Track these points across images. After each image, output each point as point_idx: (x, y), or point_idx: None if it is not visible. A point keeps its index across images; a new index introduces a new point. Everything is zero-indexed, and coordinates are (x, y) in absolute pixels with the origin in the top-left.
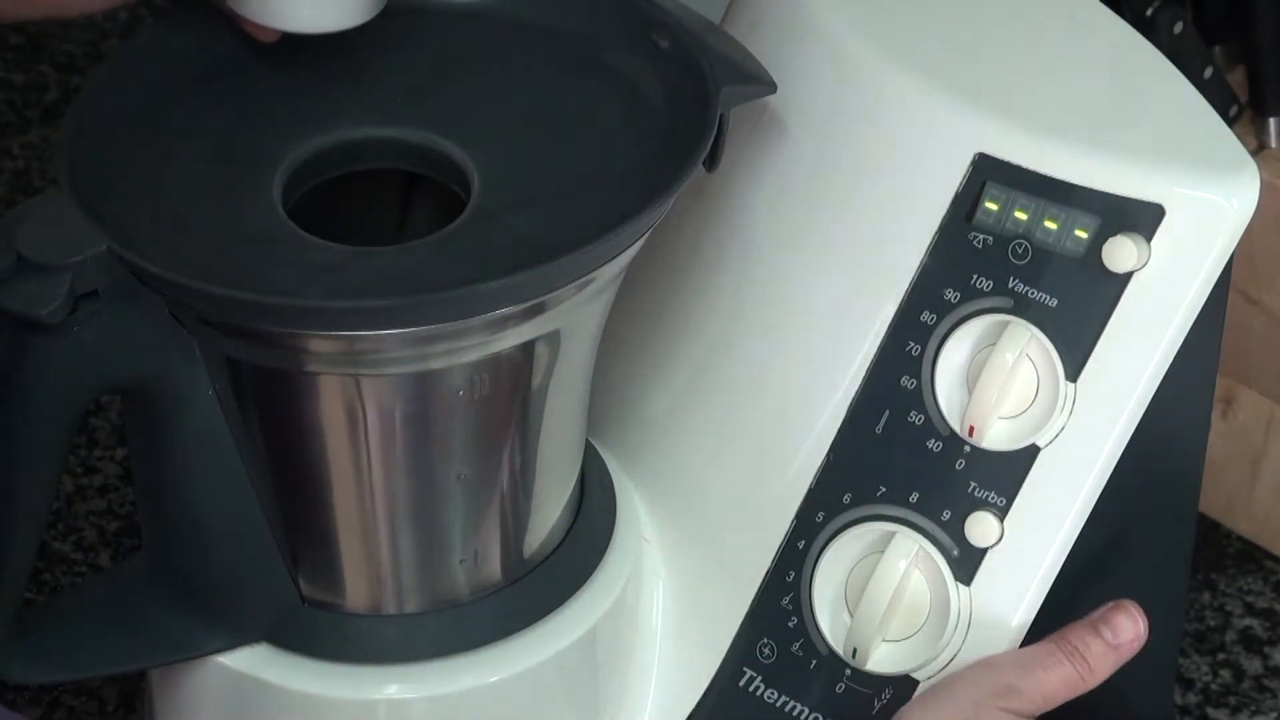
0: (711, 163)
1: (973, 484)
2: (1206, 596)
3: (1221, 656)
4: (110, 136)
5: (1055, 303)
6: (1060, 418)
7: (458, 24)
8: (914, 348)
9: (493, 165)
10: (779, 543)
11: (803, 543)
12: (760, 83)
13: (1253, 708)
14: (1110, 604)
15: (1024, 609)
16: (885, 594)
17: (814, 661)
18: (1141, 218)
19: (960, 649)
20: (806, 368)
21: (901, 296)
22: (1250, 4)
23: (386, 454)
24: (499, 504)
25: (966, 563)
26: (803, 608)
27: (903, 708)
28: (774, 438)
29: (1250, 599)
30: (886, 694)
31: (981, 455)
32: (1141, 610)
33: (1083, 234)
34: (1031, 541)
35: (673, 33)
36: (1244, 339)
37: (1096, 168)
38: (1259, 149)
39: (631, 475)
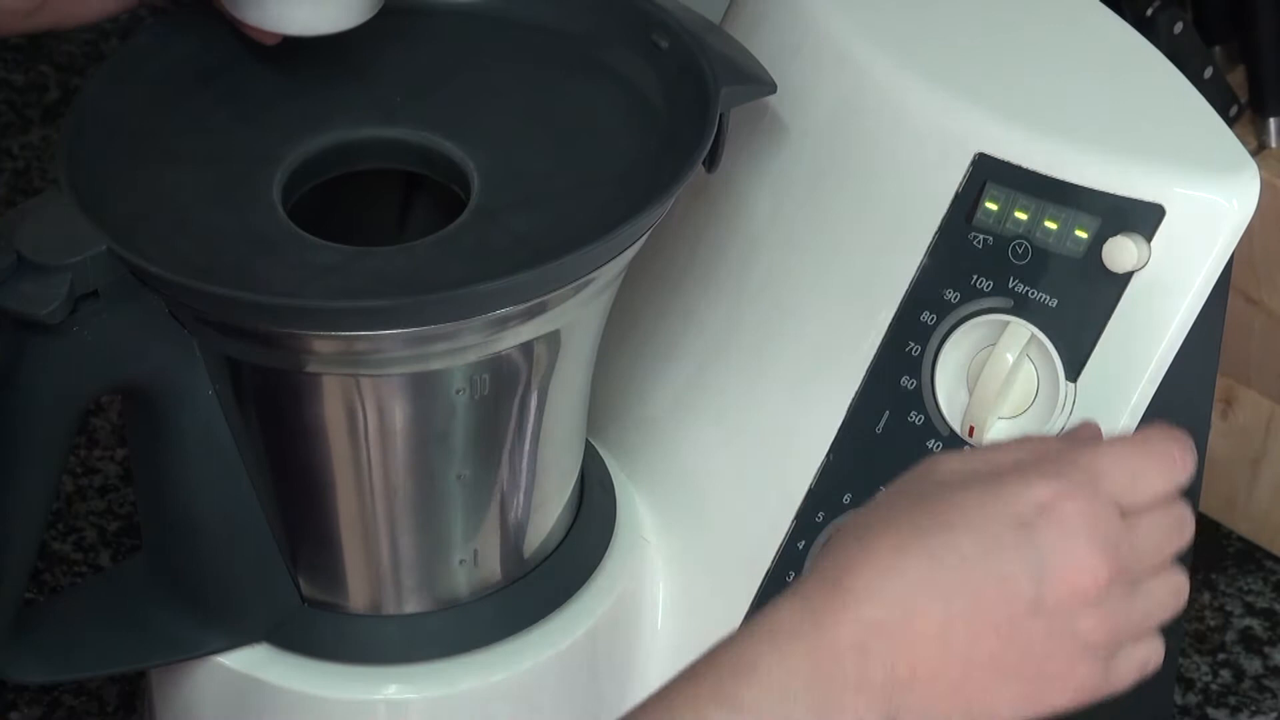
0: (711, 163)
1: None
2: (1206, 596)
3: (1221, 656)
4: (110, 136)
5: (1055, 303)
6: (1060, 418)
7: (458, 24)
8: (914, 348)
9: (493, 165)
10: (779, 543)
11: (803, 543)
12: (760, 83)
13: (1253, 708)
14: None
15: None
16: None
17: None
18: (1141, 218)
19: None
20: (806, 368)
21: (901, 296)
22: (1250, 4)
23: (386, 454)
24: (499, 504)
25: None
26: None
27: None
28: (774, 438)
29: (1250, 599)
30: None
31: None
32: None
33: (1083, 234)
34: None
35: (673, 33)
36: (1244, 339)
37: (1096, 168)
38: (1259, 149)
39: (631, 475)
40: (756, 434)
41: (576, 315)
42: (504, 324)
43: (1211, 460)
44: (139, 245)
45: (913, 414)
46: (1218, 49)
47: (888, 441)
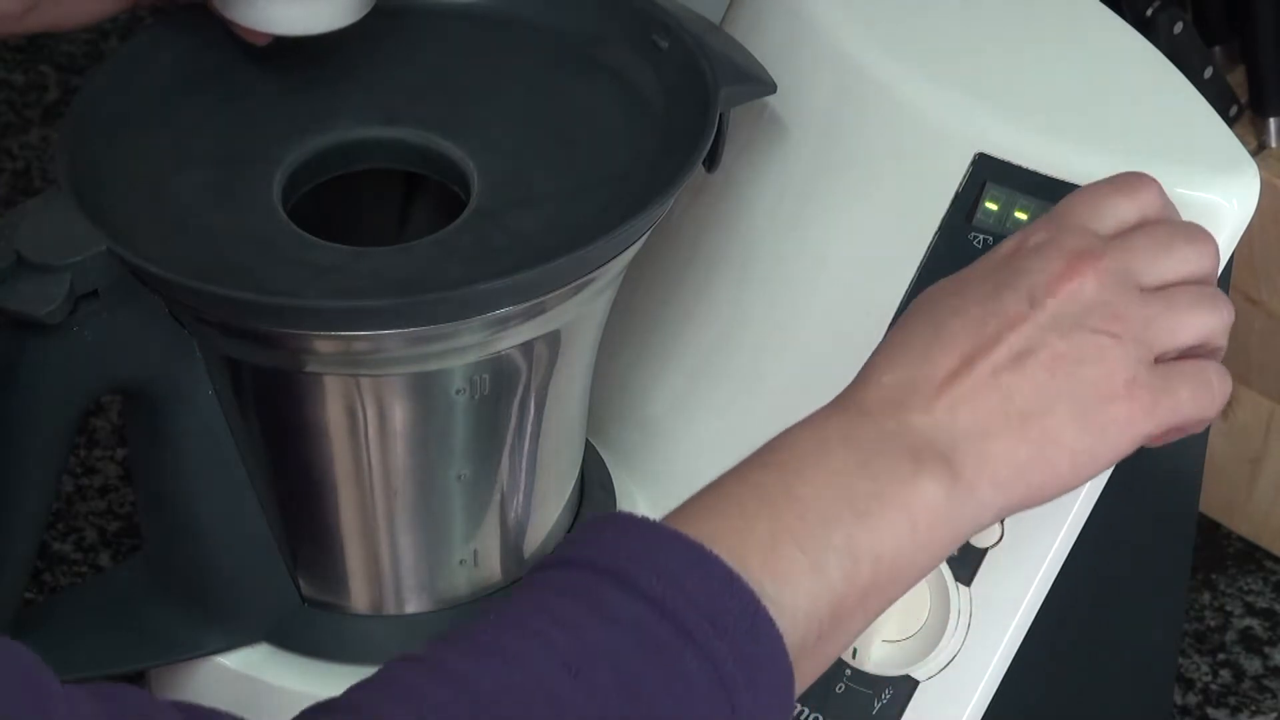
0: (711, 163)
1: None
2: (1206, 596)
3: (1221, 656)
4: (110, 136)
5: None
6: None
7: (458, 24)
8: None
9: (492, 165)
10: None
11: None
12: (760, 83)
13: (1253, 708)
14: None
15: (1024, 609)
16: None
17: None
18: None
19: (960, 649)
20: (807, 368)
21: (901, 296)
22: (1250, 4)
23: (386, 454)
24: (499, 504)
25: (967, 562)
26: None
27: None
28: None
29: (1250, 599)
30: (886, 694)
31: None
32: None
33: None
34: (1031, 541)
35: (673, 33)
36: (1244, 339)
37: (1096, 168)
38: (1259, 149)
39: (631, 476)
40: (756, 434)
41: (576, 315)
42: (504, 324)
43: (1211, 460)
44: (139, 245)
45: None
46: (1218, 49)
47: None
